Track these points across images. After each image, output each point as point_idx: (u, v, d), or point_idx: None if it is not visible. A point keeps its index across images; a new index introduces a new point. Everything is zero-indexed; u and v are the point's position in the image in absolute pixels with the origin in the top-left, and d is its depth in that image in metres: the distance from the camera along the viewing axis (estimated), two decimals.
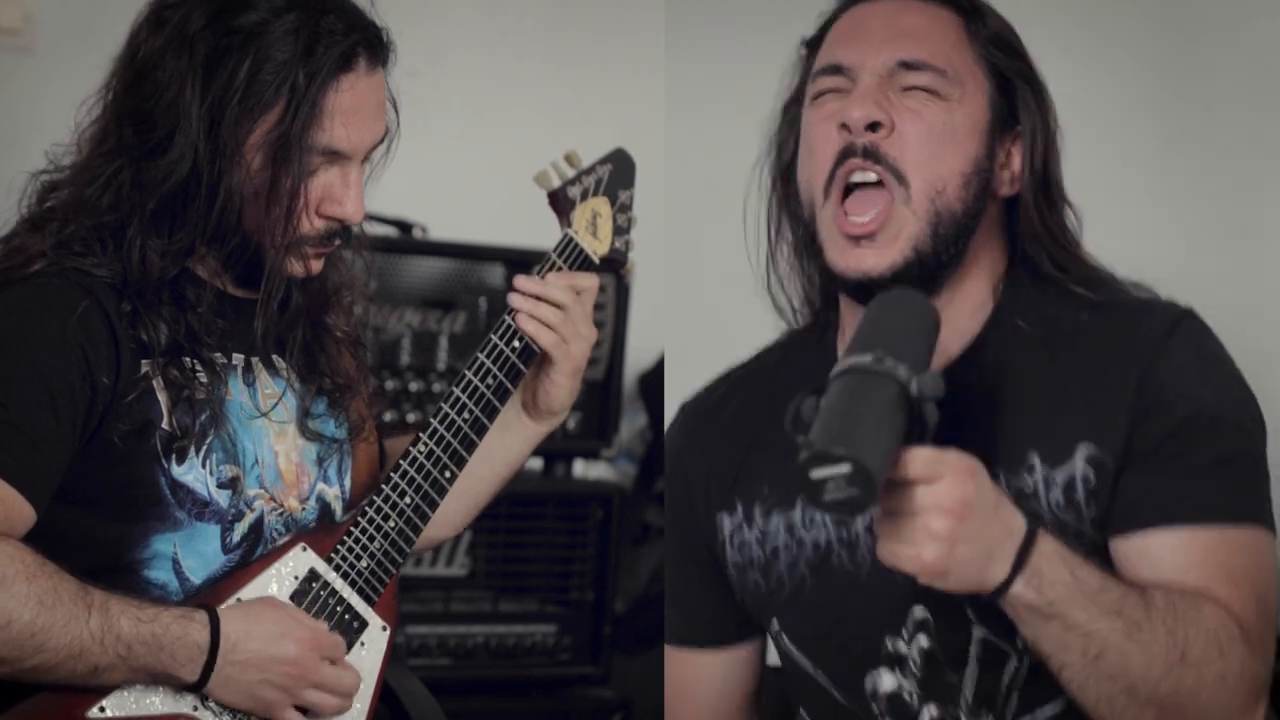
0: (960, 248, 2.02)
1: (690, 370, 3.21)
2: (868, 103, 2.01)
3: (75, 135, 2.13)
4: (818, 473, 1.62)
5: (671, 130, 3.08)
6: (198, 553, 2.08)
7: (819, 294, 2.20)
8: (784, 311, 2.25)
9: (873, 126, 2.01)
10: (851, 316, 2.11)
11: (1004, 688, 1.97)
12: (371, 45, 2.10)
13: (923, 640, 2.00)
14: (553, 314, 2.22)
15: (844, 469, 1.61)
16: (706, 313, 3.23)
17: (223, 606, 2.03)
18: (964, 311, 2.05)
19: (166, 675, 1.98)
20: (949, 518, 1.69)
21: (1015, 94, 2.09)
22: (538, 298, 2.21)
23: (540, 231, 2.36)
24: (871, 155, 2.00)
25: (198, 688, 2.00)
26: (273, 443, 2.16)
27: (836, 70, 2.05)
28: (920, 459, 1.69)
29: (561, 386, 2.27)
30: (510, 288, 2.26)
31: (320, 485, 2.21)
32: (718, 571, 2.20)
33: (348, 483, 2.25)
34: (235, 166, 2.04)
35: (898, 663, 2.01)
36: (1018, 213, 2.09)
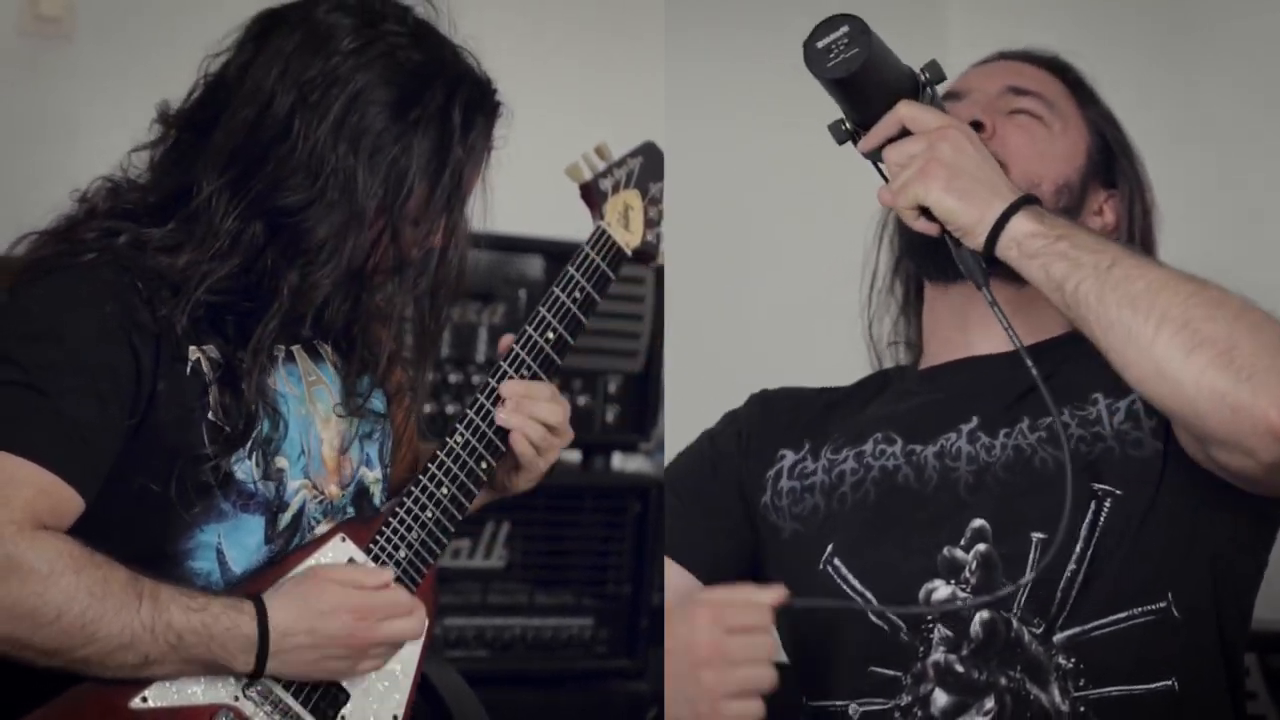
0: None
1: (690, 366, 3.22)
2: (974, 108, 2.13)
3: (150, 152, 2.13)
4: (823, 41, 1.94)
5: (672, 128, 3.09)
6: (241, 544, 2.08)
7: (913, 323, 2.30)
8: (878, 351, 2.36)
9: (976, 125, 2.08)
10: (933, 310, 2.19)
11: (1058, 595, 1.98)
12: (500, 109, 2.16)
13: (981, 547, 2.02)
14: (540, 434, 2.22)
15: (843, 29, 1.93)
16: (706, 309, 3.23)
17: (267, 591, 2.04)
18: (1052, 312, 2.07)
19: (218, 666, 1.99)
20: (948, 145, 1.94)
21: (1114, 161, 2.22)
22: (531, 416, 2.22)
23: (578, 224, 2.36)
24: None
25: (256, 675, 2.00)
26: (319, 430, 2.16)
27: (951, 96, 2.14)
28: (915, 105, 1.98)
29: (530, 482, 2.30)
30: (548, 280, 2.28)
31: (362, 470, 2.21)
32: (737, 512, 2.21)
33: (389, 463, 2.25)
34: (385, 237, 2.08)
35: (953, 572, 2.02)
36: None
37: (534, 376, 2.22)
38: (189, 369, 2.04)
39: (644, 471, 3.54)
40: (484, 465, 2.20)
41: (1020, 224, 1.93)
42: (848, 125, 2.04)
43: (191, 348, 2.04)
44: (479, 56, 2.16)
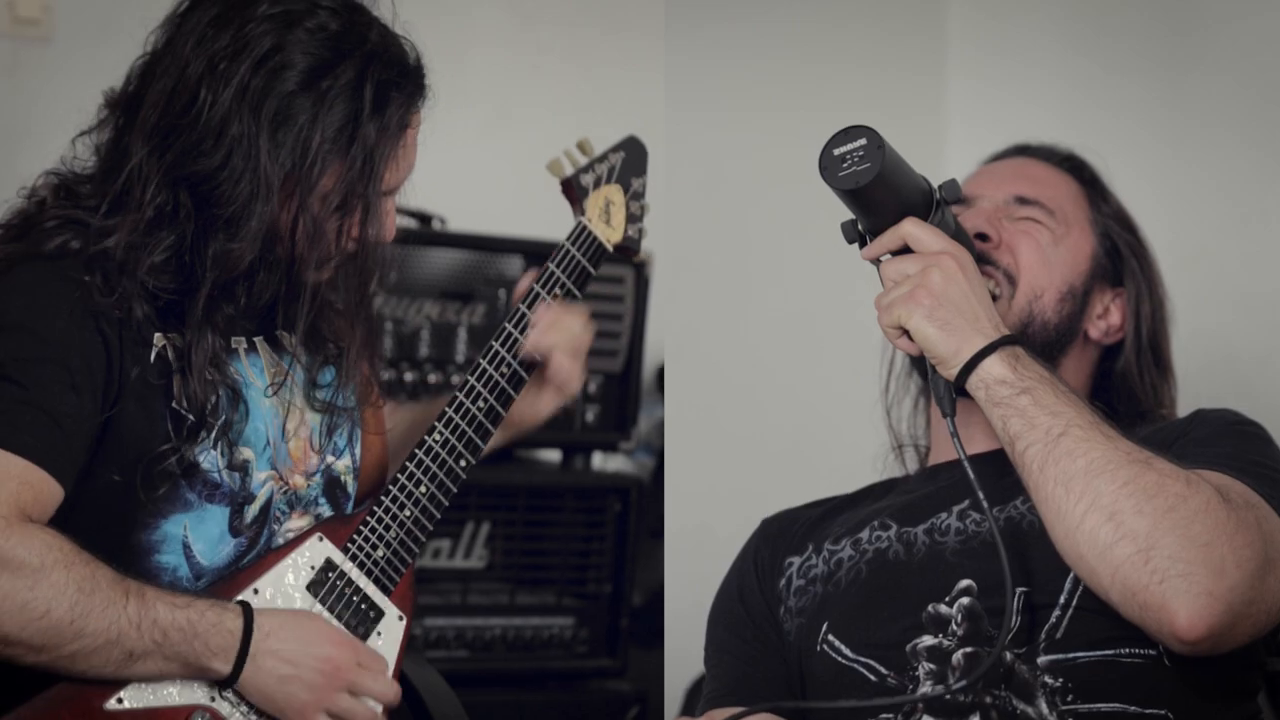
0: (1047, 360, 2.10)
1: (690, 363, 3.22)
2: (980, 218, 2.20)
3: (94, 138, 2.13)
4: (839, 149, 1.96)
5: (673, 123, 3.09)
6: (206, 535, 2.08)
7: (924, 421, 2.37)
8: (897, 434, 2.40)
9: (981, 236, 2.17)
10: (940, 425, 2.24)
11: (1041, 637, 2.00)
12: (423, 94, 2.14)
13: (965, 600, 2.05)
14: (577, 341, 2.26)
15: (860, 142, 1.95)
16: (707, 306, 3.24)
17: (240, 596, 2.05)
18: None
19: (200, 665, 1.98)
20: (940, 273, 1.97)
21: (1122, 261, 2.29)
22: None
23: (559, 223, 2.36)
24: (983, 260, 2.14)
25: (230, 680, 2.00)
26: (284, 421, 2.16)
27: (961, 201, 2.18)
28: (919, 225, 2.00)
29: (552, 405, 2.31)
30: (530, 277, 2.28)
31: (329, 459, 2.21)
32: (767, 629, 2.25)
33: (358, 451, 2.25)
34: (303, 214, 2.07)
35: (940, 626, 2.04)
36: (1111, 366, 2.28)
37: (513, 372, 2.23)
38: (154, 355, 2.05)
39: (624, 471, 3.55)
40: (463, 463, 2.20)
41: (992, 367, 1.97)
42: (860, 227, 2.07)
43: (157, 335, 2.05)
44: (418, 44, 2.15)
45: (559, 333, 2.26)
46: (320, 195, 2.07)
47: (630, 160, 2.36)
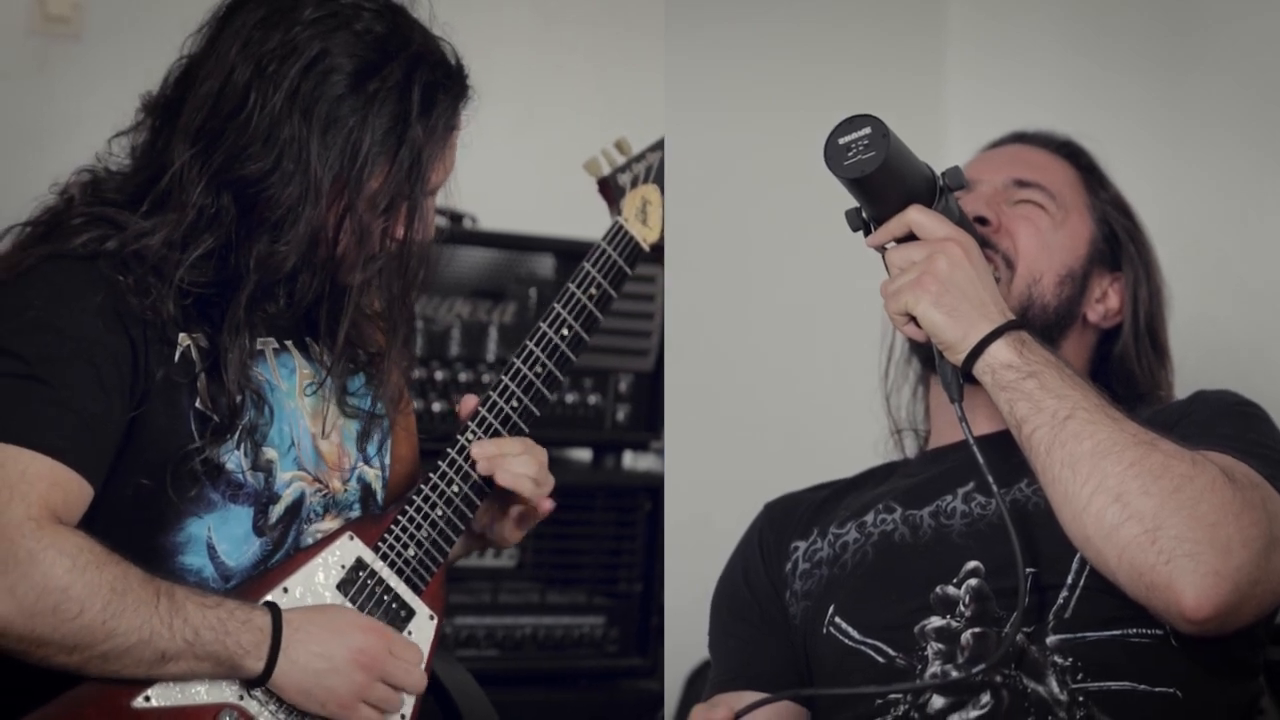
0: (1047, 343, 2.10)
1: (691, 362, 3.21)
2: (979, 202, 2.22)
3: (130, 137, 2.13)
4: (844, 138, 1.96)
5: (673, 123, 3.08)
6: (230, 535, 2.08)
7: (923, 408, 2.37)
8: (896, 420, 2.41)
9: (981, 220, 2.19)
10: (937, 395, 2.24)
11: (1049, 618, 2.00)
12: (468, 95, 2.14)
13: (973, 582, 2.05)
14: (530, 489, 2.20)
15: (865, 130, 1.95)
16: (707, 306, 3.23)
17: (269, 595, 2.04)
18: None
19: (232, 663, 1.98)
20: (946, 259, 1.98)
21: (1120, 246, 2.30)
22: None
23: (590, 222, 2.36)
24: (982, 243, 2.12)
25: (264, 678, 1.99)
26: (309, 424, 2.15)
27: (964, 187, 2.16)
28: (924, 212, 2.01)
29: (523, 532, 2.27)
30: (559, 278, 2.27)
31: (361, 466, 2.20)
32: (773, 611, 2.25)
33: (387, 460, 2.24)
34: (349, 215, 2.07)
35: (948, 607, 2.04)
36: (1109, 350, 2.29)
37: (547, 373, 2.22)
38: (178, 355, 2.04)
39: (655, 470, 3.54)
40: None
41: (999, 351, 1.97)
42: (864, 216, 2.07)
43: (181, 335, 2.05)
44: (455, 46, 2.14)
45: (516, 479, 2.19)
46: (367, 197, 2.07)
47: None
